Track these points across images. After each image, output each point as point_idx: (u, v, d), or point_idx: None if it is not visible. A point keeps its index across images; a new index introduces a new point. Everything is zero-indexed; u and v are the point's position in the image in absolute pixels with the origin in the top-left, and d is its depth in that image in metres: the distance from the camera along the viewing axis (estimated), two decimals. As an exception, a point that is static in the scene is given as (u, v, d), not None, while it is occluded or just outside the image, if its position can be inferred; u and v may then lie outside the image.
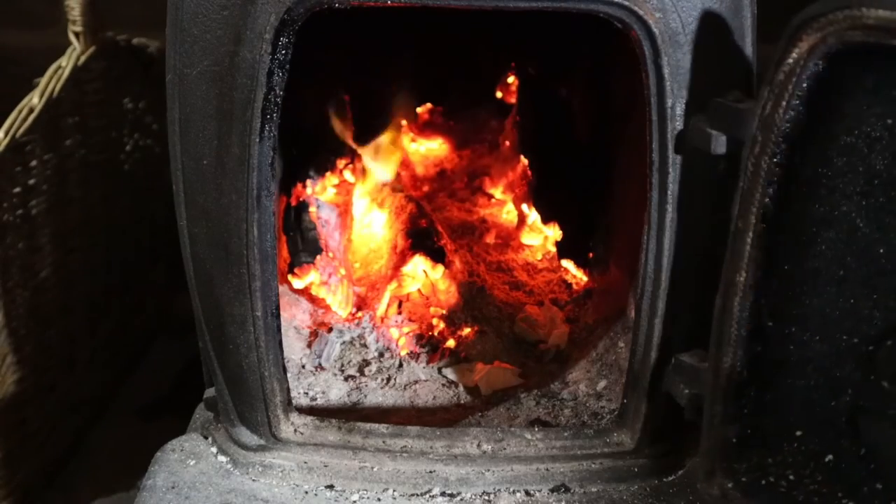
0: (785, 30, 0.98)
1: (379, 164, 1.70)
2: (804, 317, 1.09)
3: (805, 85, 0.98)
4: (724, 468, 1.13)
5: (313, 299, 1.57)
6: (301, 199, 1.60)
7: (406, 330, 1.50)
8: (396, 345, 1.48)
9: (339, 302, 1.56)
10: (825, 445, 1.12)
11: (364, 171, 1.69)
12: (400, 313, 1.53)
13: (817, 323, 1.09)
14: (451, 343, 1.49)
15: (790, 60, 0.98)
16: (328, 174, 1.64)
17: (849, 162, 1.02)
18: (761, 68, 1.13)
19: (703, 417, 1.14)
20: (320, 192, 1.62)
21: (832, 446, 1.12)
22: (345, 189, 1.65)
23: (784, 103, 0.99)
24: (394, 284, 1.54)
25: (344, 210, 1.63)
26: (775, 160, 1.02)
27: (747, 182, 1.04)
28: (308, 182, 1.62)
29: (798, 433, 1.12)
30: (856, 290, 1.06)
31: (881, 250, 1.04)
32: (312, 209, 1.59)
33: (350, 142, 1.66)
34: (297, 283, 1.58)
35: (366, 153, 1.69)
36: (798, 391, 1.11)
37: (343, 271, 1.59)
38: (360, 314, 1.54)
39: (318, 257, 1.59)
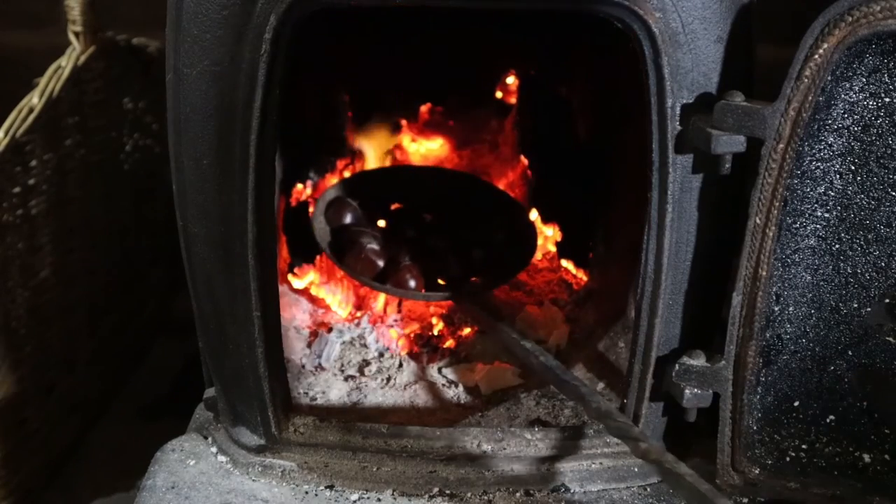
0: (813, 25, 1.00)
1: (378, 164, 1.70)
2: (801, 293, 1.12)
3: (829, 77, 1.00)
4: (748, 457, 1.16)
5: (313, 299, 1.57)
6: (301, 200, 1.60)
7: (407, 331, 1.50)
8: (396, 345, 1.48)
9: (338, 301, 1.56)
10: (824, 408, 1.17)
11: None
12: (399, 312, 1.53)
13: (812, 297, 1.13)
14: (450, 343, 1.49)
15: (818, 56, 1.00)
16: (328, 175, 1.64)
17: (845, 143, 1.05)
18: (760, 68, 1.14)
19: (721, 413, 1.16)
20: (320, 193, 1.62)
21: (832, 407, 1.16)
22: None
23: (811, 98, 1.01)
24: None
25: (344, 210, 1.63)
26: (795, 153, 1.04)
27: (769, 178, 1.06)
28: (308, 182, 1.62)
29: (796, 403, 1.16)
30: (851, 258, 1.11)
31: (878, 219, 1.09)
32: (312, 209, 1.59)
33: (350, 143, 1.66)
34: (297, 283, 1.58)
35: (365, 154, 1.69)
36: (794, 364, 1.15)
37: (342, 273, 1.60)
38: (359, 314, 1.54)
39: (318, 257, 1.59)
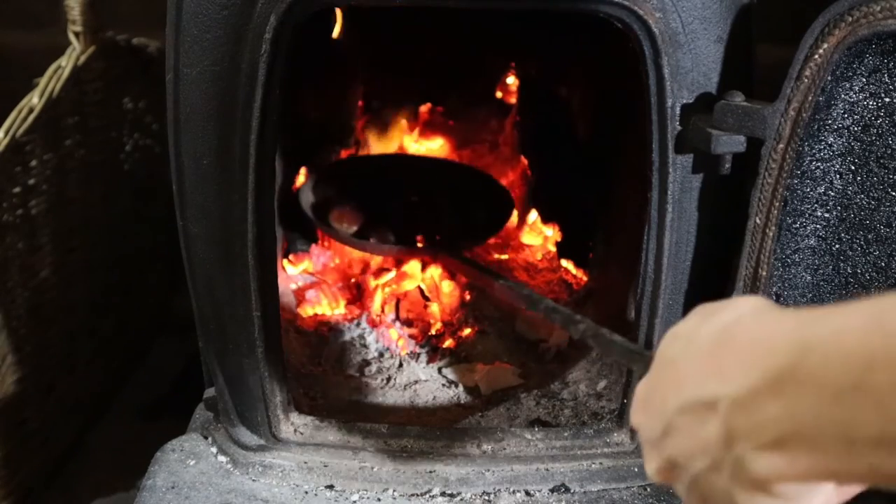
0: (813, 25, 1.00)
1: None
2: (801, 293, 1.12)
3: (829, 77, 1.00)
4: None
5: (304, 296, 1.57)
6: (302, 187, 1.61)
7: (408, 332, 1.50)
8: (396, 345, 1.48)
9: (328, 301, 1.56)
10: None
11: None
12: (397, 312, 1.52)
13: (812, 297, 1.14)
14: (449, 343, 1.49)
15: (818, 56, 1.00)
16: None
17: (845, 143, 1.05)
18: (760, 68, 1.14)
19: None
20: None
21: None
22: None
23: (811, 98, 1.01)
24: (385, 278, 1.55)
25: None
26: (795, 153, 1.04)
27: (769, 178, 1.06)
28: (311, 169, 1.62)
29: None
30: (851, 258, 1.11)
31: (878, 219, 1.09)
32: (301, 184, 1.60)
33: (356, 134, 1.66)
34: (291, 270, 1.58)
35: (369, 147, 1.70)
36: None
37: (337, 261, 1.60)
38: (356, 312, 1.54)
39: (314, 246, 1.59)
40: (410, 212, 1.60)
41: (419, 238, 1.53)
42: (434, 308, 1.52)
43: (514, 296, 1.29)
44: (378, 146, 1.70)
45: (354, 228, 1.52)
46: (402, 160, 1.70)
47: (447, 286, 1.54)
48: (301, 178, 1.62)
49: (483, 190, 1.65)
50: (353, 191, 1.60)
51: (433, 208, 1.61)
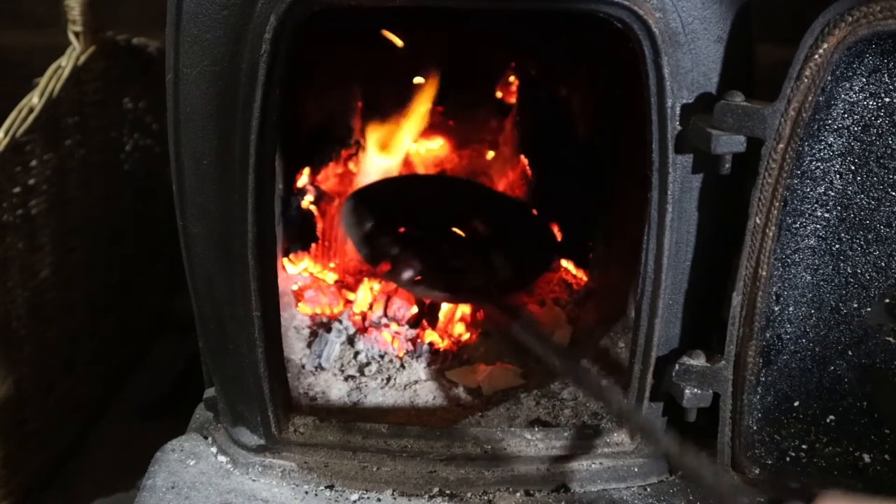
0: (813, 25, 1.00)
1: (382, 157, 1.70)
2: (801, 293, 1.12)
3: (829, 77, 1.00)
4: (748, 457, 1.16)
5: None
6: (302, 186, 1.61)
7: (404, 335, 1.50)
8: (392, 348, 1.48)
9: (329, 301, 1.56)
10: (824, 408, 1.18)
11: (367, 162, 1.69)
12: (387, 312, 1.52)
13: (812, 296, 1.14)
14: (442, 343, 1.49)
15: (818, 56, 1.00)
16: (332, 164, 1.65)
17: (845, 143, 1.05)
18: (760, 68, 1.14)
19: (721, 413, 1.17)
20: (322, 181, 1.63)
21: (832, 407, 1.17)
22: (347, 179, 1.66)
23: (811, 98, 1.01)
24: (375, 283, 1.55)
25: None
26: (795, 153, 1.04)
27: (769, 178, 1.06)
28: (311, 169, 1.62)
29: (796, 403, 1.16)
30: (851, 258, 1.11)
31: (878, 219, 1.09)
32: (311, 197, 1.60)
33: (357, 134, 1.66)
34: (291, 268, 1.58)
35: (370, 146, 1.70)
36: (794, 364, 1.15)
37: (336, 262, 1.60)
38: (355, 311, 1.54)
39: (314, 245, 1.59)
40: (456, 250, 1.57)
41: (467, 284, 1.51)
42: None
43: (563, 369, 1.29)
44: (378, 146, 1.70)
45: (410, 273, 1.49)
46: (441, 181, 1.69)
47: (460, 327, 1.54)
48: (307, 189, 1.62)
49: (523, 223, 1.63)
50: (397, 221, 1.57)
51: (479, 246, 1.58)
